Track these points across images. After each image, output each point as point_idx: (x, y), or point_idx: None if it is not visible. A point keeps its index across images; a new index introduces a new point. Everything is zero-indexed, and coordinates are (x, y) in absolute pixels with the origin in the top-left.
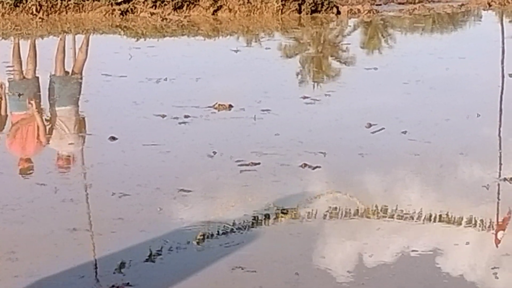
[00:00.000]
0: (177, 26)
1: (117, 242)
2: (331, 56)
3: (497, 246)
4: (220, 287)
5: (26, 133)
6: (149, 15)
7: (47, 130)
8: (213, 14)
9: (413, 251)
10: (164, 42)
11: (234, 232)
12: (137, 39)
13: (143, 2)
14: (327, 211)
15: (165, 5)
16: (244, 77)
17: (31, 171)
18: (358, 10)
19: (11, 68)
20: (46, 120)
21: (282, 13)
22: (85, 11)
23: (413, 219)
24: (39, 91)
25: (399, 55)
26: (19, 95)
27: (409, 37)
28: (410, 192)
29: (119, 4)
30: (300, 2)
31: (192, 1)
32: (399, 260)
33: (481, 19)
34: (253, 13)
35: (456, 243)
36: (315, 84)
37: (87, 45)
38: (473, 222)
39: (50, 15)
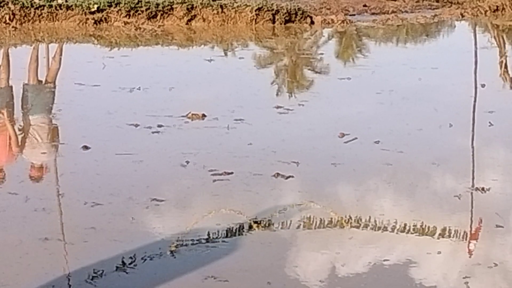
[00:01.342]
0: (151, 35)
1: (89, 252)
2: (305, 66)
3: (470, 256)
4: None
5: None
6: (123, 24)
7: (20, 140)
8: (187, 23)
9: (385, 260)
10: (137, 52)
11: (207, 242)
12: (111, 48)
13: (117, 12)
14: (300, 220)
15: (139, 14)
16: (218, 87)
17: (2, 181)
18: (332, 20)
19: None
20: (18, 129)
21: (256, 23)
22: (58, 20)
23: (386, 229)
24: (12, 100)
25: (372, 65)
26: None
27: (382, 47)
28: (383, 202)
29: (92, 13)
30: (274, 12)
31: (166, 11)
32: (372, 270)
33: (454, 29)
34: (227, 23)
35: (429, 252)
36: (289, 93)
37: (61, 54)
38: (446, 232)
39: (23, 24)
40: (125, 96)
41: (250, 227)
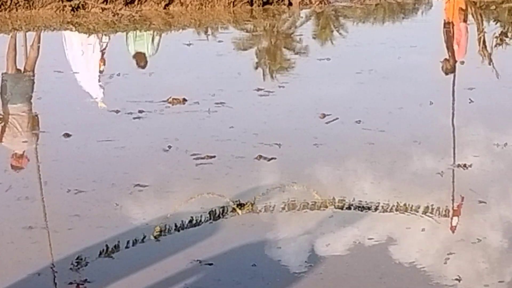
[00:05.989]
0: (129, 21)
1: (74, 239)
2: (284, 47)
3: (453, 232)
4: (179, 280)
5: None
6: (100, 10)
7: (0, 129)
8: (164, 8)
9: (369, 239)
10: (116, 38)
11: (191, 226)
12: (89, 35)
13: None
14: (284, 202)
15: (116, 0)
16: (198, 71)
17: None
18: (310, 1)
19: None
20: None
21: (234, 5)
22: (35, 8)
23: (369, 208)
24: None
25: (351, 45)
26: None
27: (361, 27)
28: (365, 181)
29: (69, 0)
30: None
31: None
32: (355, 249)
33: (431, 8)
34: (205, 7)
35: (412, 230)
36: (269, 76)
37: (39, 42)
38: (429, 209)
39: None
40: (105, 83)
41: (234, 210)
